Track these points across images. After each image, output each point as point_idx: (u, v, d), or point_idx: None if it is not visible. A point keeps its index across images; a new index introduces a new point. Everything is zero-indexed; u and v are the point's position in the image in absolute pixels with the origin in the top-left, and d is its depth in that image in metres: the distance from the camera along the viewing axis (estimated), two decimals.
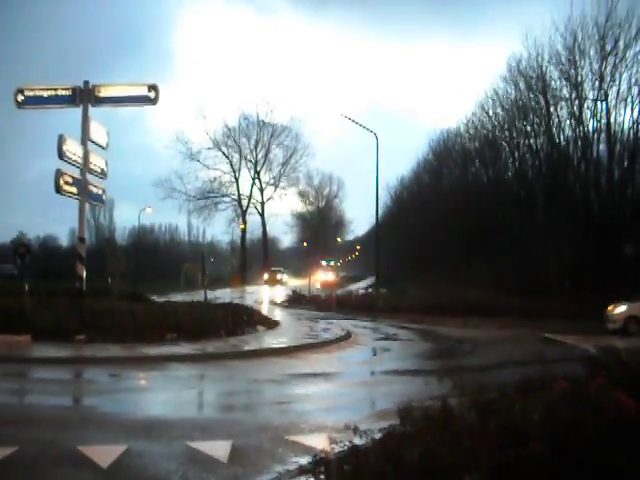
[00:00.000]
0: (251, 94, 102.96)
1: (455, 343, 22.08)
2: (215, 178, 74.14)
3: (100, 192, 23.38)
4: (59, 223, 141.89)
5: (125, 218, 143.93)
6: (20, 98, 22.15)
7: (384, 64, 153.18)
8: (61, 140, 20.18)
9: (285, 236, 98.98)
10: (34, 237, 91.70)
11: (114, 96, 22.36)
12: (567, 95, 38.05)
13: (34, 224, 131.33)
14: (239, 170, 75.83)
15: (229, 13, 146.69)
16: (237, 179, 75.46)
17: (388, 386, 13.91)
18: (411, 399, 7.89)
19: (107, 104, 22.56)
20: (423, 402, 7.57)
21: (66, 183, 20.49)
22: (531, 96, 40.06)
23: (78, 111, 21.97)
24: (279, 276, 73.40)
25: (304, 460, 7.38)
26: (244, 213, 75.33)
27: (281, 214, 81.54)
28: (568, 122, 38.66)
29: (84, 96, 21.81)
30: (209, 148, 73.39)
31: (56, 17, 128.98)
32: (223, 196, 75.09)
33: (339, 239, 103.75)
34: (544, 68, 38.67)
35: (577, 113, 37.46)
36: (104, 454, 7.57)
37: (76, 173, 21.38)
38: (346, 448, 6.84)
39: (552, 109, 38.96)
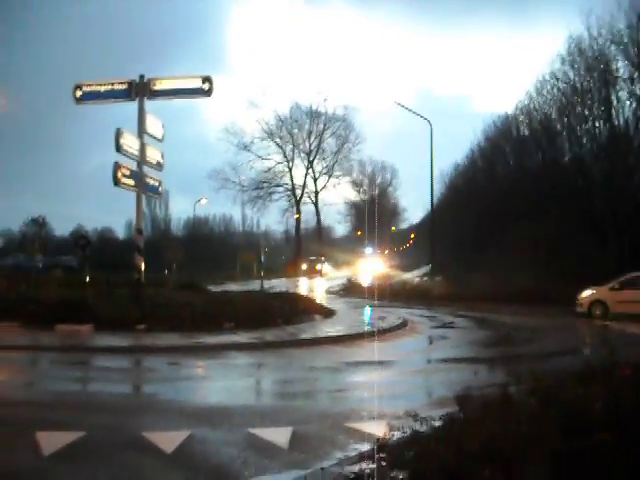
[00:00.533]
0: (303, 84, 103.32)
1: (511, 330, 21.82)
2: (269, 168, 74.41)
3: (157, 184, 23.71)
4: (115, 215, 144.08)
5: (180, 209, 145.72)
6: (78, 94, 22.56)
7: (434, 51, 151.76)
8: (118, 133, 20.53)
9: (339, 225, 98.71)
10: (92, 229, 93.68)
11: (169, 89, 22.59)
12: (628, 75, 37.09)
13: (91, 216, 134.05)
14: (292, 160, 75.81)
15: (279, 3, 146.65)
16: (290, 169, 75.55)
17: (445, 374, 13.88)
18: (469, 386, 7.92)
19: (162, 97, 22.79)
20: (481, 390, 7.59)
21: (124, 176, 20.83)
22: (590, 77, 39.16)
23: (134, 104, 22.34)
24: (319, 266, 69.43)
25: (364, 447, 7.48)
26: (298, 203, 75.41)
27: (335, 203, 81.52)
28: (628, 103, 37.71)
29: (139, 90, 22.09)
30: (262, 139, 73.58)
31: (108, 11, 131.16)
32: (277, 186, 75.27)
33: (394, 228, 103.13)
34: (605, 48, 37.72)
35: (638, 93, 36.49)
36: (168, 440, 7.74)
37: (133, 165, 21.68)
38: (407, 435, 6.89)
39: (612, 90, 38.04)
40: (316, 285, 51.98)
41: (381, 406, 10.18)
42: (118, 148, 20.49)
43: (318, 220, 78.79)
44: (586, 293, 26.25)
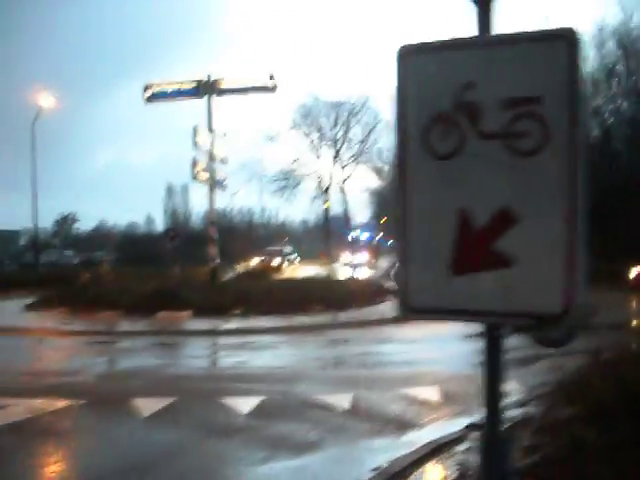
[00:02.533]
0: (321, 72, 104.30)
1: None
2: (296, 158, 74.72)
3: (223, 177, 24.87)
4: (127, 211, 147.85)
5: (197, 201, 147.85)
6: (148, 94, 23.79)
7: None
8: (195, 131, 21.69)
9: (361, 213, 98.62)
10: (112, 225, 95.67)
11: (236, 87, 23.73)
12: None
13: (104, 213, 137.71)
14: (320, 149, 76.14)
15: None
16: (318, 158, 75.88)
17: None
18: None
19: (229, 94, 23.93)
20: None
21: (200, 170, 22.01)
22: (617, 56, 39.74)
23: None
24: (277, 261, 52.80)
25: (513, 398, 8.64)
26: (326, 191, 75.70)
27: (356, 191, 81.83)
28: None
29: (208, 88, 23.27)
30: (289, 129, 73.86)
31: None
32: (304, 176, 75.65)
33: None
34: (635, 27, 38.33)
35: None
36: (338, 400, 8.90)
37: (205, 160, 22.85)
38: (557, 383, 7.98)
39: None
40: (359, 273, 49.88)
41: (511, 366, 11.34)
42: (195, 144, 21.64)
43: (345, 208, 79.16)
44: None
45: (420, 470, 6.21)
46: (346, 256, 50.85)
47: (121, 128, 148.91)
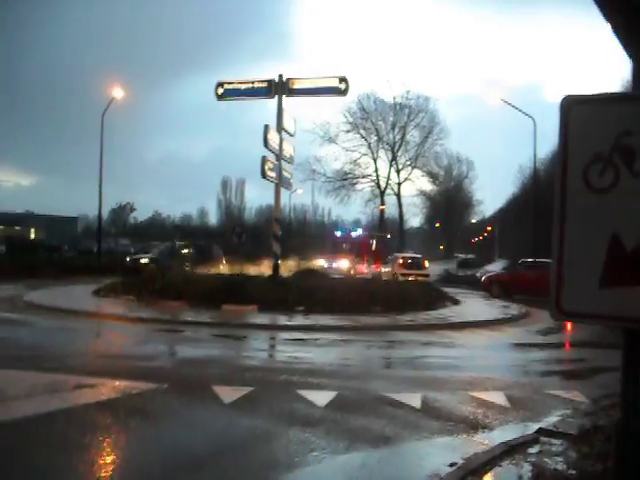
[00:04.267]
0: (377, 74, 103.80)
1: None
2: (354, 160, 74.70)
3: (289, 176, 25.33)
4: (180, 203, 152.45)
5: (251, 198, 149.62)
6: (220, 91, 24.39)
7: (503, 39, 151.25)
8: (266, 129, 22.14)
9: (413, 217, 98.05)
10: (165, 217, 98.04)
11: (306, 88, 24.09)
12: None
13: (163, 204, 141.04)
14: (377, 152, 76.05)
15: None
16: (375, 160, 75.71)
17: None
18: None
19: (299, 95, 24.30)
20: None
21: (269, 169, 22.46)
22: None
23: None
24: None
25: (581, 406, 8.94)
26: (382, 194, 75.44)
27: (410, 194, 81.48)
28: None
29: (279, 88, 23.70)
30: (347, 131, 73.94)
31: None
32: (362, 177, 75.70)
33: (474, 220, 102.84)
34: None
35: None
36: (408, 398, 9.24)
37: (274, 159, 23.30)
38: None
39: None
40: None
41: (562, 377, 11.66)
42: (266, 143, 22.09)
43: (400, 212, 79.09)
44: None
45: (496, 468, 6.50)
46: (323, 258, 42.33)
47: (180, 121, 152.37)
